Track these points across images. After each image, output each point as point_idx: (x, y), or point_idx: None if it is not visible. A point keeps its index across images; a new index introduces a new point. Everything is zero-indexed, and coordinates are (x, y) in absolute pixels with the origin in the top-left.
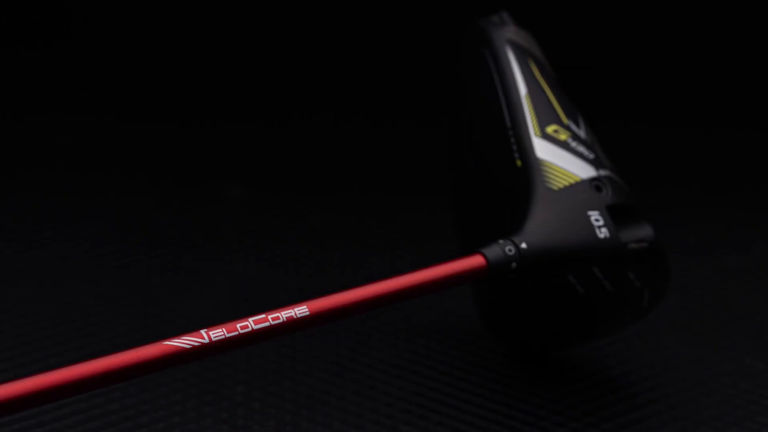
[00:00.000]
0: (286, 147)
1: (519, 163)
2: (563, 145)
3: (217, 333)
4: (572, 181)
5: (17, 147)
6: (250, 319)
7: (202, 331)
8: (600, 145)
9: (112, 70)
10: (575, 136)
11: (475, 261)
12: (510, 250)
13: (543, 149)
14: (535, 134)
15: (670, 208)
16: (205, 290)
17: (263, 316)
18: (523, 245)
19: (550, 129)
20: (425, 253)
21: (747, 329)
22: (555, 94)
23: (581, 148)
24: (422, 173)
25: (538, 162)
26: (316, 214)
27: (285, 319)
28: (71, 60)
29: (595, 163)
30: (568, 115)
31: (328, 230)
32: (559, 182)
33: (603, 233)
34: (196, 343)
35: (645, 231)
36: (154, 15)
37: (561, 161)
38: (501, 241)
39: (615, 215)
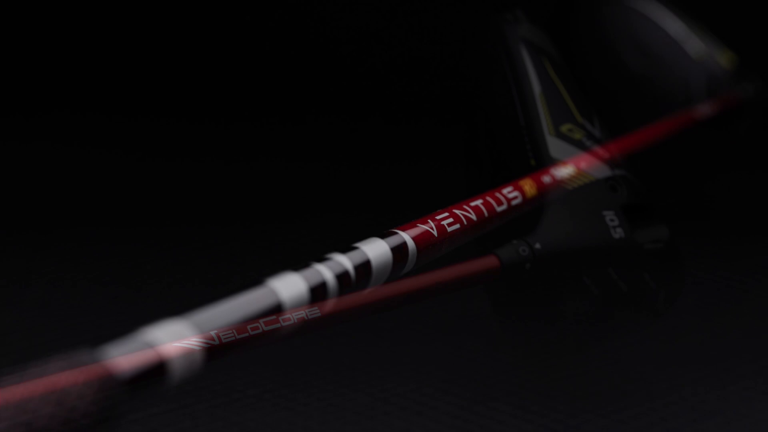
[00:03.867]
0: (292, 149)
1: (533, 162)
2: (578, 144)
3: (227, 334)
4: (587, 181)
5: (17, 147)
6: (261, 320)
7: (212, 332)
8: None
9: (112, 70)
10: (590, 135)
11: (489, 262)
12: (524, 251)
13: (557, 148)
14: (549, 133)
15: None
16: (207, 290)
17: (274, 317)
18: (537, 245)
19: (565, 128)
20: None
21: (765, 328)
22: (570, 92)
23: (596, 148)
24: (431, 173)
25: (552, 161)
26: (316, 214)
27: (296, 320)
28: (71, 60)
29: (610, 162)
30: (583, 114)
31: (330, 230)
32: (573, 182)
33: (618, 233)
34: (206, 345)
35: (661, 231)
36: (154, 15)
37: None
38: (515, 242)
39: (630, 215)
